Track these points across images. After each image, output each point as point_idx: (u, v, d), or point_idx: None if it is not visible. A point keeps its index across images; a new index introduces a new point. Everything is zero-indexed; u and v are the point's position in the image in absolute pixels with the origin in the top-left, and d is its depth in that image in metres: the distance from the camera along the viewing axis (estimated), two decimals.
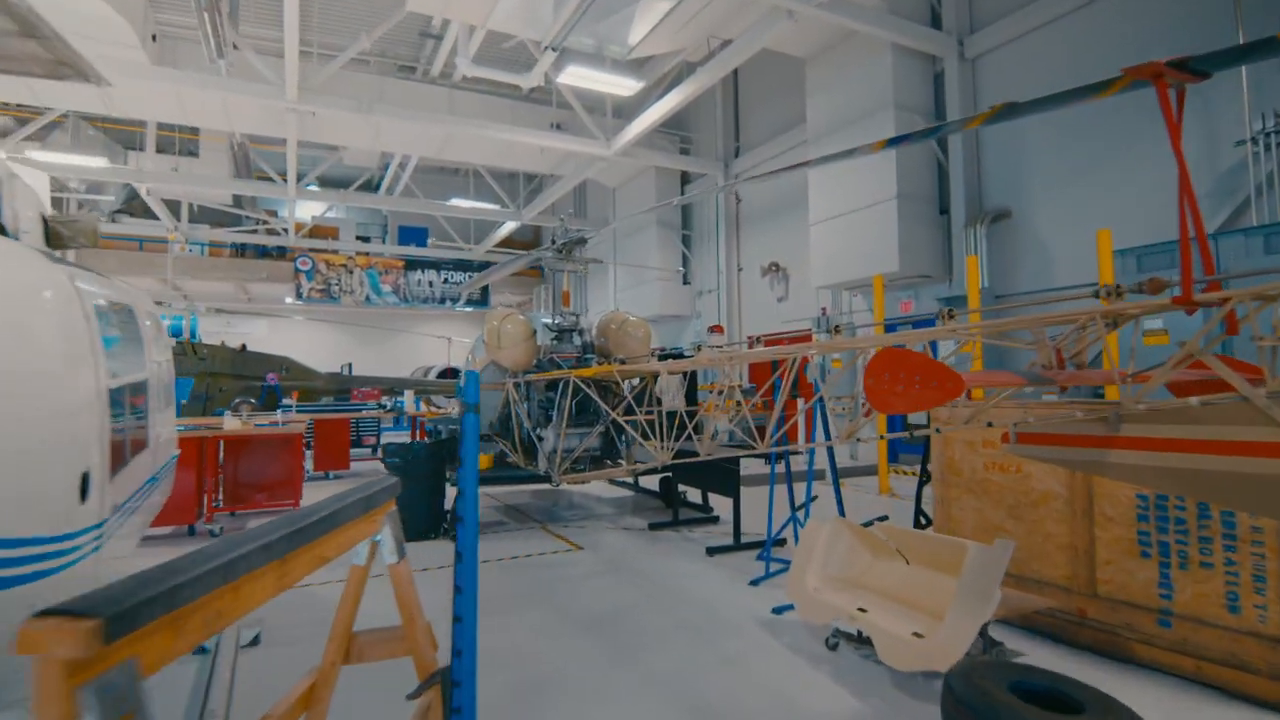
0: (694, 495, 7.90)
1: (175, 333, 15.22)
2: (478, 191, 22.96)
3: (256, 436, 7.16)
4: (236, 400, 10.98)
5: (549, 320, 7.82)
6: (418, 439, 11.21)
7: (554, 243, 7.82)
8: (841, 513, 4.98)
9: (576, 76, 10.97)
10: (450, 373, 22.55)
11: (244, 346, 15.24)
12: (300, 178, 17.72)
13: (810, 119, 12.61)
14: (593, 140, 14.37)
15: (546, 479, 6.55)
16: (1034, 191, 10.07)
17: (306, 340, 27.35)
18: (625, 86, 11.49)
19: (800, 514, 5.40)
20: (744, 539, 6.20)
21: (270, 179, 17.84)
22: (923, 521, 5.24)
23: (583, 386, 6.16)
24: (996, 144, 10.64)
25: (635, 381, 6.80)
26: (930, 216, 11.23)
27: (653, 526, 7.04)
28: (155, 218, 19.97)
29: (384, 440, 14.06)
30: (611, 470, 6.79)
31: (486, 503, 8.68)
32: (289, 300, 25.05)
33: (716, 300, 17.03)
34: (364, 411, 11.68)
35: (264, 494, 7.21)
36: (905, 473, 10.79)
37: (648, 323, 7.73)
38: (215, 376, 14.20)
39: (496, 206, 20.52)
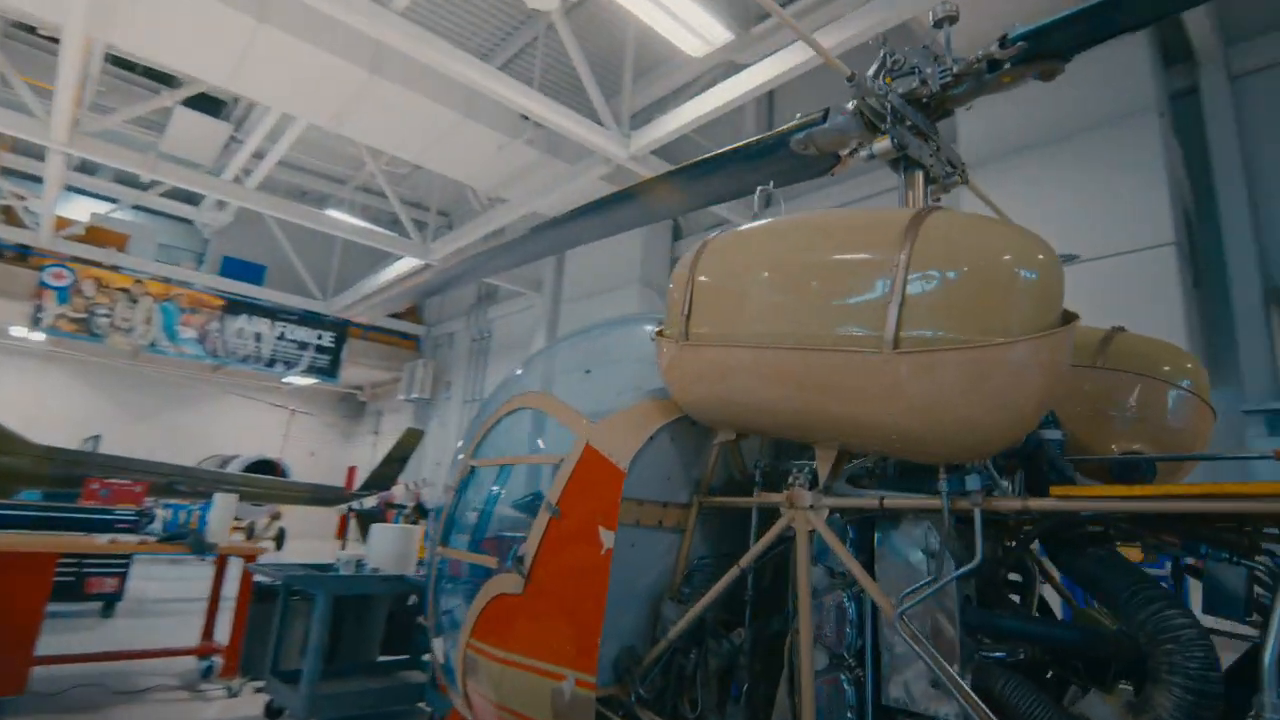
0: None
1: None
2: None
3: None
4: None
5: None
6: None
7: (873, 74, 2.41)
8: None
9: None
10: (264, 467, 14.93)
11: None
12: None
13: None
14: (598, 132, 9.07)
15: None
16: None
17: (36, 394, 18.20)
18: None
19: None
20: None
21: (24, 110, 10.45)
22: None
23: None
24: None
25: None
26: None
27: None
28: None
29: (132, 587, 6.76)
30: None
31: None
32: (14, 330, 16.16)
33: None
34: (95, 540, 4.41)
35: None
36: None
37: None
38: None
39: (393, 234, 14.33)
